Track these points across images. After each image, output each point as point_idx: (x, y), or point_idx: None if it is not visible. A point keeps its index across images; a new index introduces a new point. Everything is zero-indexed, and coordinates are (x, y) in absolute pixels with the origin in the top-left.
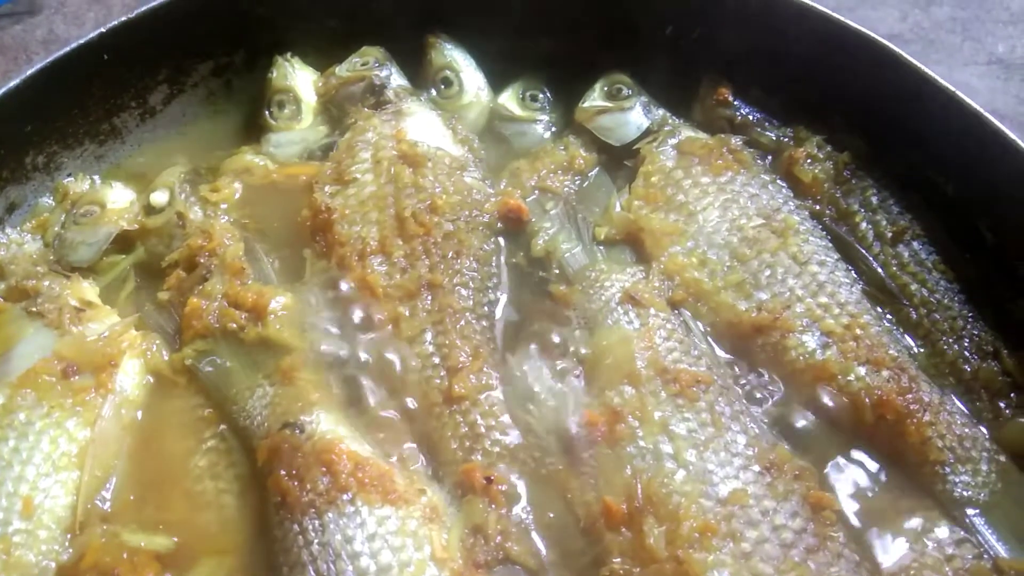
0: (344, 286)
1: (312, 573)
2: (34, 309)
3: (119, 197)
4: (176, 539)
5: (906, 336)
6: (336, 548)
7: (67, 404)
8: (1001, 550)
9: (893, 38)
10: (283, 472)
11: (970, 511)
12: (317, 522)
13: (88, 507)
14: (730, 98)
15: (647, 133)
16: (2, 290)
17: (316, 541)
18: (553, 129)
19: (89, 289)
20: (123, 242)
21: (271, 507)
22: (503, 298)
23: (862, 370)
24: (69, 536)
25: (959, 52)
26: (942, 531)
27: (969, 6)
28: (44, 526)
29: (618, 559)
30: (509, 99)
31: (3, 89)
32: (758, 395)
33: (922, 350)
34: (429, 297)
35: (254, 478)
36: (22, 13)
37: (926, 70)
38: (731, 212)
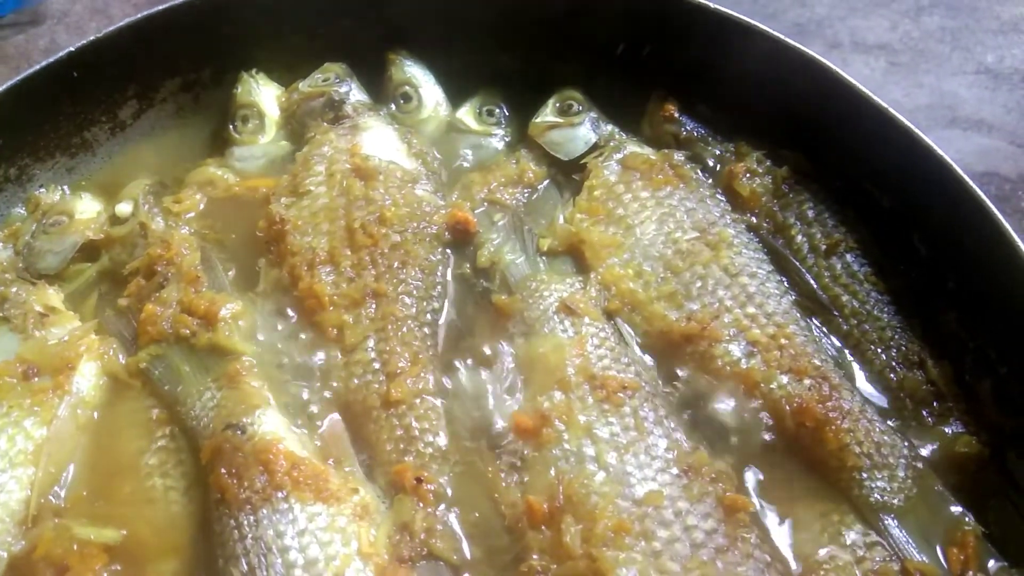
0: (293, 295)
1: (244, 565)
2: (1, 314)
3: (87, 208)
4: (125, 532)
5: (838, 347)
6: (268, 542)
7: (25, 404)
8: (913, 553)
9: (882, 47)
10: (223, 470)
11: (884, 515)
12: (252, 518)
13: (42, 502)
14: (676, 114)
15: (595, 148)
16: None
17: (250, 535)
18: (508, 140)
19: (54, 296)
20: (90, 251)
21: (212, 503)
22: (447, 307)
23: (784, 378)
24: (23, 529)
25: (948, 62)
26: (855, 534)
27: (959, 15)
28: None
29: (537, 556)
30: (466, 113)
31: None
32: (684, 401)
33: (851, 359)
34: (373, 305)
35: (199, 476)
36: (25, 23)
37: (863, 88)
38: (667, 226)
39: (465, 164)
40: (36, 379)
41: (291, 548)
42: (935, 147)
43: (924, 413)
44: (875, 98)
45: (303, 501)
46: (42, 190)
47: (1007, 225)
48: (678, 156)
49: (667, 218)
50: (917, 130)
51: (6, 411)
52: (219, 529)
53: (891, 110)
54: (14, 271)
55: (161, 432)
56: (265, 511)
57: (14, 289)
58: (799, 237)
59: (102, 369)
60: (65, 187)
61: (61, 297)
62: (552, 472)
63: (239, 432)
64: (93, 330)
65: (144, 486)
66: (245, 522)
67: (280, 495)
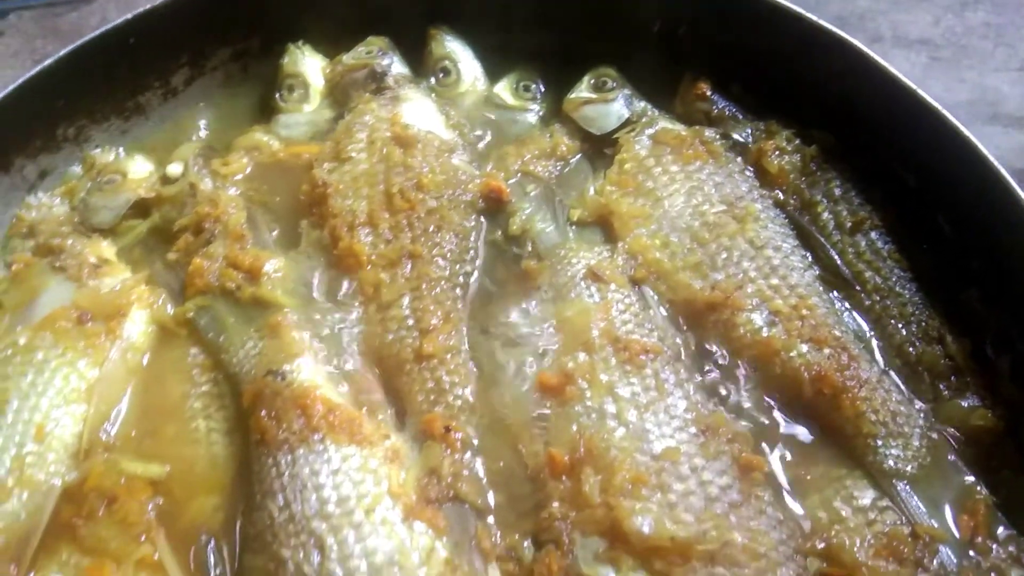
0: (333, 254)
1: (281, 500)
2: (58, 264)
3: (139, 168)
4: (169, 469)
5: (857, 319)
6: (303, 479)
7: (80, 346)
8: (923, 518)
9: (924, 42)
10: (264, 413)
11: (897, 482)
12: (289, 457)
13: (93, 437)
14: (708, 93)
15: (627, 123)
16: (31, 247)
17: (287, 473)
18: (541, 115)
19: (107, 248)
20: (141, 209)
21: (252, 444)
22: (478, 271)
23: (804, 347)
24: (75, 461)
25: (991, 58)
26: (867, 499)
27: (1005, 11)
28: (53, 450)
29: (557, 504)
30: (503, 89)
31: (39, 67)
32: (707, 368)
33: (872, 333)
34: (409, 265)
35: (240, 419)
36: (78, 0)
37: (893, 70)
38: (695, 198)
39: (500, 137)
40: (89, 324)
41: (325, 485)
42: (966, 132)
43: (941, 387)
44: (907, 81)
45: (337, 443)
46: (98, 150)
47: None
48: (709, 133)
49: (695, 191)
50: (946, 112)
51: (61, 352)
52: (258, 468)
53: (921, 92)
54: (70, 225)
55: (205, 378)
56: (302, 451)
57: (70, 241)
58: (825, 214)
59: (151, 317)
60: (119, 148)
61: (113, 250)
62: (574, 427)
63: (279, 378)
64: (143, 281)
65: (188, 427)
66: (283, 461)
67: (316, 437)
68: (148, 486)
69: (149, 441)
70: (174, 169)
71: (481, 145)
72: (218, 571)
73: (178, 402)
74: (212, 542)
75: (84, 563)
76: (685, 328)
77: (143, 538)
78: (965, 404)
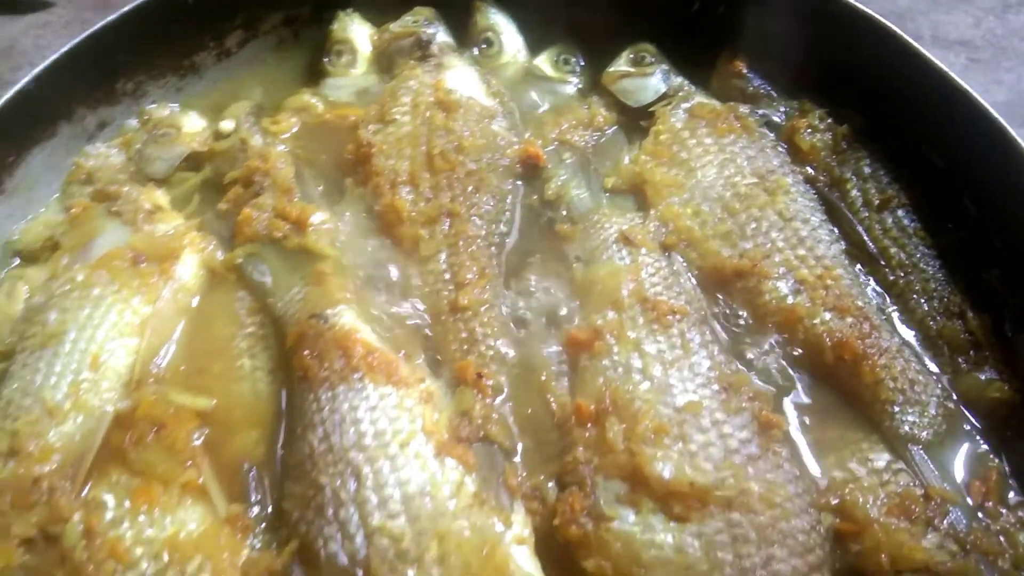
0: (376, 209)
1: (320, 432)
2: (114, 209)
3: (193, 123)
4: (215, 402)
5: (881, 293)
6: (343, 414)
7: (134, 285)
8: (936, 482)
9: (964, 43)
10: (307, 352)
11: (912, 446)
12: (329, 393)
13: (144, 369)
14: (744, 71)
15: (663, 97)
16: (90, 193)
17: (327, 408)
18: (580, 87)
19: (161, 196)
20: (194, 163)
21: (294, 381)
22: (514, 232)
23: (827, 315)
24: (127, 390)
25: None
26: (882, 461)
27: None
28: (107, 378)
29: (582, 449)
30: (544, 61)
31: (102, 23)
32: (733, 331)
33: (895, 308)
34: (447, 223)
35: (283, 359)
36: None
37: (927, 54)
38: (728, 170)
39: (540, 107)
40: (144, 265)
41: (363, 420)
42: (997, 115)
43: (960, 360)
44: (940, 64)
45: (376, 382)
46: (153, 105)
47: None
48: (744, 109)
49: (728, 163)
50: (979, 97)
51: (117, 289)
52: (299, 403)
53: (954, 76)
54: (126, 173)
55: (251, 320)
56: (342, 388)
57: (126, 188)
58: (854, 191)
59: (202, 262)
60: (174, 104)
61: (167, 199)
62: (600, 380)
63: (322, 321)
64: (195, 228)
65: (234, 365)
66: (323, 397)
67: (356, 376)
68: (195, 417)
69: (197, 376)
70: (226, 125)
71: (519, 115)
72: (258, 497)
73: (225, 341)
74: (253, 471)
75: (133, 484)
76: (713, 294)
77: (189, 464)
78: (983, 377)
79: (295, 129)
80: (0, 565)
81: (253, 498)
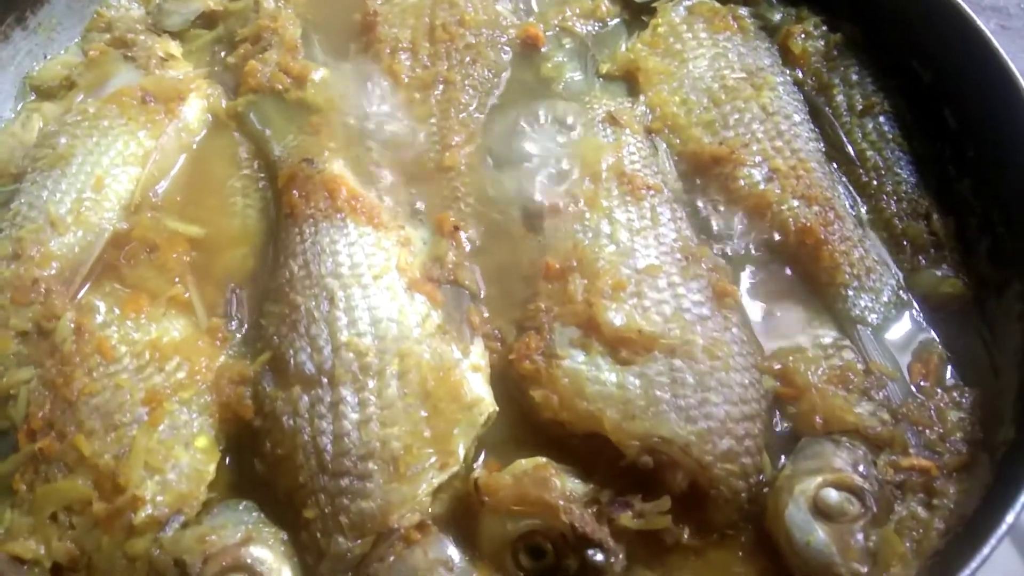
0: (375, 72)
1: (300, 260)
2: (129, 55)
3: None
4: (206, 231)
5: (852, 192)
6: (323, 246)
7: (141, 120)
8: (879, 359)
9: (996, 9)
10: (295, 191)
11: (861, 327)
12: (313, 228)
13: (143, 196)
14: None
15: None
16: (108, 39)
17: (309, 240)
18: None
19: (175, 47)
20: (208, 22)
21: (281, 217)
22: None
23: (795, 202)
24: (126, 213)
25: None
26: (829, 338)
27: None
28: (108, 199)
29: (544, 300)
30: None
31: None
32: (703, 214)
33: (865, 208)
34: (441, 88)
35: (274, 201)
36: None
37: None
38: (718, 63)
39: None
40: (152, 103)
41: (341, 252)
42: (987, 31)
43: (920, 258)
44: None
45: (357, 223)
46: None
47: None
48: (743, 11)
49: (720, 57)
50: (972, 14)
51: (125, 122)
52: (284, 236)
53: None
54: (144, 24)
55: (247, 163)
56: (324, 224)
57: (142, 37)
58: (839, 96)
59: (207, 108)
60: None
61: (180, 50)
62: (571, 243)
63: (312, 165)
64: (204, 75)
65: (227, 202)
66: (307, 231)
67: (339, 216)
68: (186, 242)
69: (192, 208)
70: None
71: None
72: (239, 316)
73: (221, 181)
74: (237, 291)
75: (124, 294)
76: (692, 178)
77: (177, 281)
78: (939, 273)
79: None
80: None
81: (234, 315)
